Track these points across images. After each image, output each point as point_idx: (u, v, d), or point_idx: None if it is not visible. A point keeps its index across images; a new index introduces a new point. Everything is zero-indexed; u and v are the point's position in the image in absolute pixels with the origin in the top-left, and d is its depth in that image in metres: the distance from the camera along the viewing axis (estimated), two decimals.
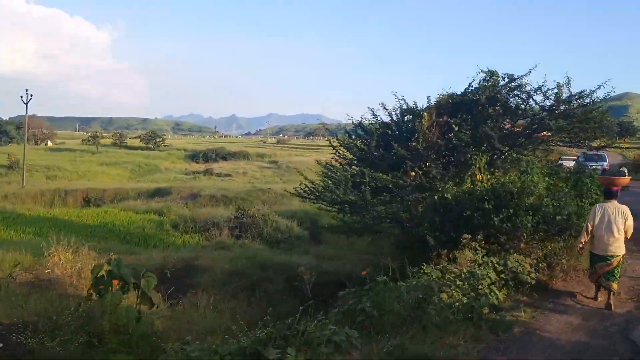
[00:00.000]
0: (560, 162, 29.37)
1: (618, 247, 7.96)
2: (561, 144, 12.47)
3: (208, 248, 22.66)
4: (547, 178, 10.00)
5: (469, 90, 11.47)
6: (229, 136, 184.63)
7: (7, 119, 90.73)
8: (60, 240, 10.56)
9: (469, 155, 11.09)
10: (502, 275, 7.98)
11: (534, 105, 11.72)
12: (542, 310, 7.32)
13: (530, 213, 9.03)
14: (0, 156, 62.82)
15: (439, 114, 11.40)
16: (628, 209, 8.10)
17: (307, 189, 12.75)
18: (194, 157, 76.26)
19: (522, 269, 8.10)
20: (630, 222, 7.99)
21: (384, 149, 11.84)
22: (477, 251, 8.34)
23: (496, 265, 8.04)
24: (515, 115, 11.75)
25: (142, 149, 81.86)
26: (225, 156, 75.42)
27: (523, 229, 8.82)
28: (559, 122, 10.69)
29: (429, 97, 11.87)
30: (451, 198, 9.29)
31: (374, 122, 12.71)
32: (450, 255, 8.23)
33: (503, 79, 11.35)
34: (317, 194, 12.52)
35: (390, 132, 12.31)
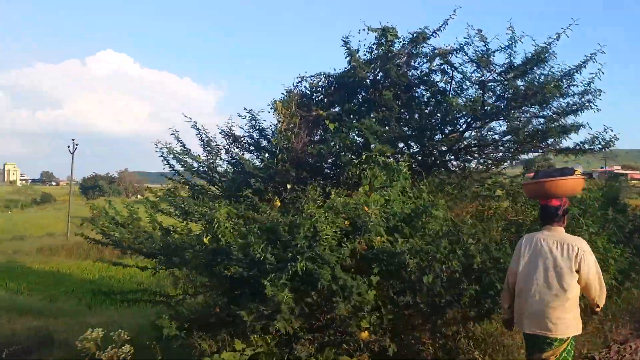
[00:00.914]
0: None
1: (561, 321, 3.46)
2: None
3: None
4: (442, 201, 5.06)
5: (355, 65, 6.94)
6: None
7: (116, 175, 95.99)
8: None
9: (355, 170, 6.53)
10: None
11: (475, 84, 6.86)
12: None
13: (375, 271, 4.34)
14: (84, 209, 65.41)
15: (307, 105, 7.01)
16: (585, 244, 3.52)
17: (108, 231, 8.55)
18: None
19: None
20: (589, 267, 3.44)
21: (237, 164, 7.59)
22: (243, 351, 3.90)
23: None
24: (440, 102, 7.00)
25: None
26: None
27: (340, 305, 4.16)
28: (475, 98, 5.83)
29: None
30: (226, 241, 4.83)
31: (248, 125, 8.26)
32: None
33: (413, 40, 6.75)
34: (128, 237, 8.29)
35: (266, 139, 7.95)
